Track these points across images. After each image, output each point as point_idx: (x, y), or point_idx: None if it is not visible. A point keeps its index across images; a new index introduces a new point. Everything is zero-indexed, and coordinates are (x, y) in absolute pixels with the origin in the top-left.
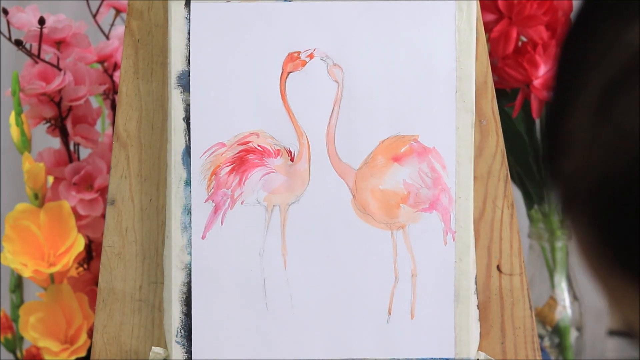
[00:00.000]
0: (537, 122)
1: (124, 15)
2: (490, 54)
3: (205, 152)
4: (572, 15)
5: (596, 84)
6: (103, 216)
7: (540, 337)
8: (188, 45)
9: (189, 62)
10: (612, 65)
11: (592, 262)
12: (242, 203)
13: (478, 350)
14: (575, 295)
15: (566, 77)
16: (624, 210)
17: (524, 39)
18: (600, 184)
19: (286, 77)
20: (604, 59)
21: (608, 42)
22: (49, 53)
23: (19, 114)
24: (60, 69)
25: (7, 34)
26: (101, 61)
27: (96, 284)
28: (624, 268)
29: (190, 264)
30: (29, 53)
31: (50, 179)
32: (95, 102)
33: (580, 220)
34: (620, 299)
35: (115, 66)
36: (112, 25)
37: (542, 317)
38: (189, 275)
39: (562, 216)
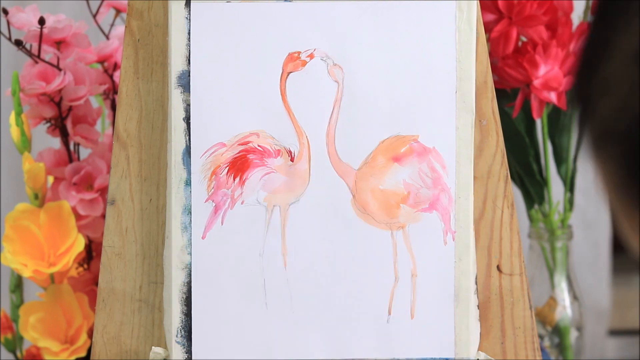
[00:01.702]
0: (537, 122)
1: (124, 15)
2: (490, 54)
3: (206, 152)
4: None
5: (637, 29)
6: (103, 216)
7: (540, 337)
8: (188, 45)
9: (189, 62)
10: None
11: (619, 201)
12: (242, 203)
13: (478, 350)
14: (575, 295)
15: (606, 20)
16: None
17: (524, 39)
18: (637, 125)
19: (286, 77)
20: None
21: None
22: (49, 53)
23: (19, 114)
24: (60, 69)
25: (7, 34)
26: (101, 61)
27: (96, 284)
28: None
29: (190, 264)
30: (29, 53)
31: (50, 179)
32: (95, 102)
33: (611, 158)
34: None
35: (115, 66)
36: (112, 25)
37: (542, 317)
38: (189, 275)
39: (592, 154)
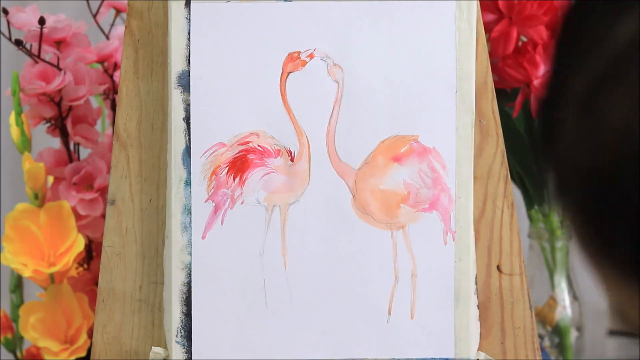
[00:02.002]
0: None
1: (124, 15)
2: (490, 54)
3: (206, 152)
4: (565, 9)
5: (585, 76)
6: (103, 216)
7: (540, 337)
8: (188, 45)
9: (189, 62)
10: (601, 59)
11: (583, 247)
12: (242, 203)
13: (478, 350)
14: (575, 295)
15: (559, 66)
16: (608, 201)
17: (524, 39)
18: (586, 173)
19: (286, 77)
20: (593, 52)
21: (598, 36)
22: (49, 53)
23: (19, 114)
24: (60, 69)
25: (7, 34)
26: (101, 61)
27: (96, 284)
28: (611, 257)
29: (190, 264)
30: (29, 53)
31: (50, 179)
32: (95, 102)
33: (570, 204)
34: (611, 285)
35: (115, 66)
36: (112, 25)
37: (542, 317)
38: (189, 275)
39: (555, 199)
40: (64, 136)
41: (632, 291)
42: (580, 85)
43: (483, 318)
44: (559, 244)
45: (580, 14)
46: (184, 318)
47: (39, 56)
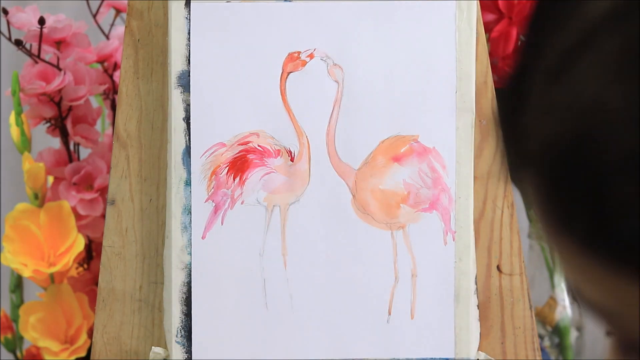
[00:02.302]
0: None
1: (124, 15)
2: (490, 54)
3: (205, 152)
4: None
5: (555, 49)
6: (103, 216)
7: (540, 337)
8: (188, 45)
9: (189, 62)
10: (572, 31)
11: (543, 222)
12: (242, 203)
13: (478, 350)
14: None
15: (529, 42)
16: (570, 173)
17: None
18: (550, 145)
19: (286, 77)
20: (565, 25)
21: (570, 9)
22: (49, 53)
23: (19, 114)
24: (60, 69)
25: (7, 34)
26: (101, 61)
27: (96, 284)
28: (571, 230)
29: (190, 264)
30: (29, 53)
31: (50, 179)
32: (95, 102)
33: (531, 178)
34: (567, 259)
35: (115, 66)
36: (112, 25)
37: (542, 317)
38: (189, 275)
39: (513, 174)
40: (64, 136)
41: (590, 266)
42: (549, 58)
43: (483, 318)
44: None
45: None
46: (184, 318)
47: (39, 56)
